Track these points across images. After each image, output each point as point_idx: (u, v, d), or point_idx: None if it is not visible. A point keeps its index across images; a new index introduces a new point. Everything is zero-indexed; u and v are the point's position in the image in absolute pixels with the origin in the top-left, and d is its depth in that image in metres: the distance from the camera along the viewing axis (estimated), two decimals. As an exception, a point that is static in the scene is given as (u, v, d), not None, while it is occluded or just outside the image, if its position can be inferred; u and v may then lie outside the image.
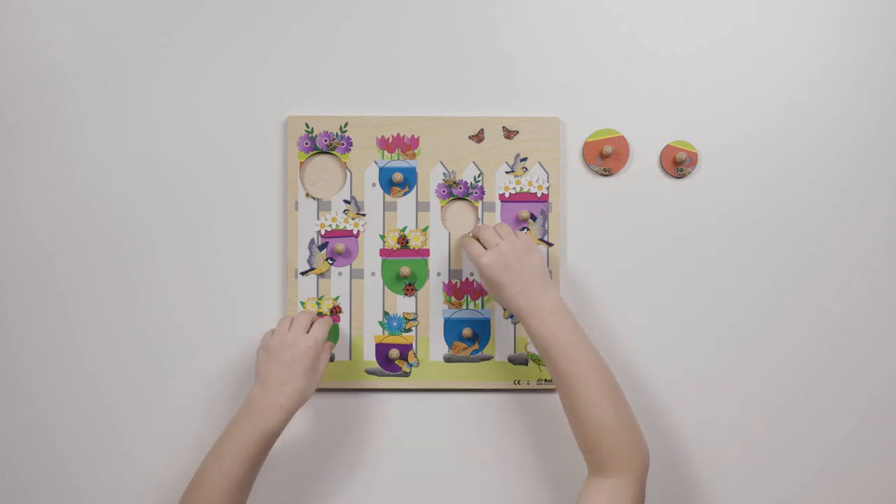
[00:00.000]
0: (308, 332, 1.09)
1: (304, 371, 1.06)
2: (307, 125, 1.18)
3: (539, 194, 1.18)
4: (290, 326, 1.09)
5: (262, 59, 1.19)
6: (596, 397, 1.03)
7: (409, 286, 1.17)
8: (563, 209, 1.19)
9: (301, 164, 1.18)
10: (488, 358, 1.18)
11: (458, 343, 1.18)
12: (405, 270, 1.16)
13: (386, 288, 1.18)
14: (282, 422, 1.05)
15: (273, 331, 1.10)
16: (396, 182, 1.18)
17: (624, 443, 1.02)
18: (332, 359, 1.17)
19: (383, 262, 1.17)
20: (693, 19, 1.20)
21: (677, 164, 1.18)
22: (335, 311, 1.18)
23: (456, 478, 1.19)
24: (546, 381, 1.18)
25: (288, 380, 1.05)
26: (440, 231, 1.19)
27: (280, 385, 1.05)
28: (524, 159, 1.19)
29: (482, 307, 1.18)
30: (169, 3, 1.19)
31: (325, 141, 1.18)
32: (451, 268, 1.19)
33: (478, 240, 1.11)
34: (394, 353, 1.17)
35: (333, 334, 1.17)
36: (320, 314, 1.17)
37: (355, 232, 1.19)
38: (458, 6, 1.19)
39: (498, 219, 1.18)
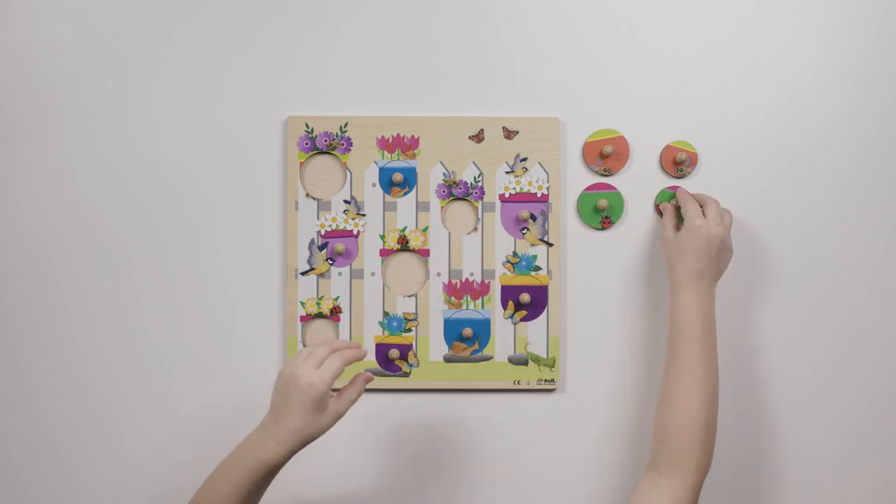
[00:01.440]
0: (319, 366, 0.98)
1: (301, 410, 0.96)
2: (307, 125, 1.18)
3: (539, 194, 1.18)
4: (308, 356, 0.98)
5: (262, 59, 1.19)
6: (698, 390, 1.04)
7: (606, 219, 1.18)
8: (563, 209, 1.19)
9: (301, 164, 1.18)
10: (488, 358, 1.18)
11: (458, 343, 1.18)
12: (603, 203, 1.16)
13: (386, 288, 1.18)
14: (276, 457, 0.97)
15: (293, 356, 1.01)
16: (396, 182, 1.18)
17: (701, 442, 1.03)
18: (371, 380, 1.06)
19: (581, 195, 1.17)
20: (693, 19, 1.20)
21: (677, 164, 1.18)
22: (335, 311, 1.18)
23: (456, 478, 1.19)
24: (546, 381, 1.18)
25: (287, 416, 0.96)
26: (440, 231, 1.19)
27: (280, 419, 0.97)
28: (524, 159, 1.19)
29: (482, 307, 1.18)
30: (169, 3, 1.19)
31: (325, 141, 1.18)
32: (451, 268, 1.19)
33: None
34: (394, 353, 1.17)
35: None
36: (319, 315, 1.17)
37: (355, 232, 1.19)
38: (458, 6, 1.19)
39: (498, 219, 1.18)
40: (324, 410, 0.98)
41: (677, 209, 1.16)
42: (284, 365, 1.01)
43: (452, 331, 1.18)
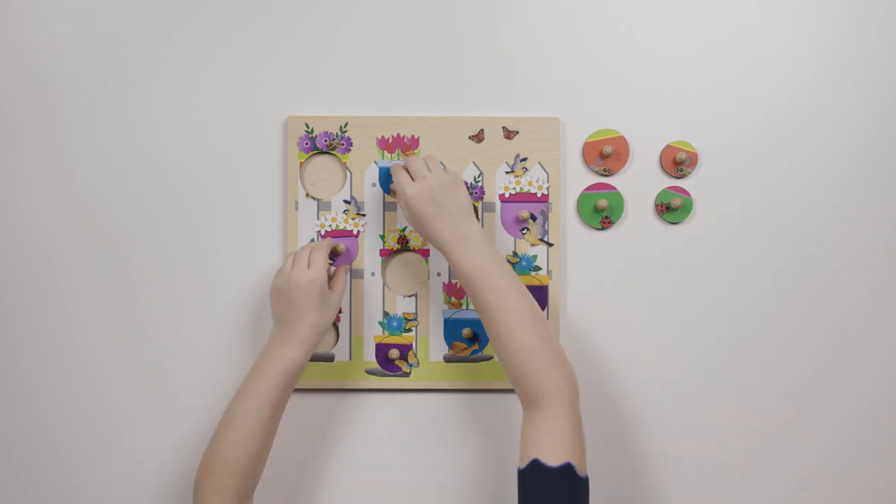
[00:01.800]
0: (309, 266, 1.08)
1: (313, 306, 1.07)
2: (307, 125, 1.18)
3: (539, 194, 1.18)
4: (293, 263, 1.09)
5: (262, 59, 1.19)
6: (520, 324, 1.01)
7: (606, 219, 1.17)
8: (563, 209, 1.19)
9: (301, 164, 1.18)
10: (488, 358, 1.18)
11: (458, 343, 1.18)
12: (603, 203, 1.14)
13: (386, 288, 1.18)
14: (303, 355, 1.06)
15: (279, 271, 1.10)
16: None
17: (550, 369, 0.99)
18: (349, 270, 1.17)
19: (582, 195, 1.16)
20: (693, 19, 1.20)
21: (677, 164, 1.18)
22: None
23: (456, 478, 1.19)
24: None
25: (300, 316, 1.07)
26: (440, 231, 1.19)
27: (295, 321, 1.07)
28: (524, 159, 1.19)
29: (482, 307, 1.18)
30: (169, 3, 1.19)
31: (325, 141, 1.18)
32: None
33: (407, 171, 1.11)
34: (394, 353, 1.17)
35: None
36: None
37: (355, 232, 1.19)
38: (458, 6, 1.19)
39: (498, 219, 1.18)
40: (328, 301, 1.09)
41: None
42: (274, 280, 1.10)
43: (452, 331, 1.18)
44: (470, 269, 1.04)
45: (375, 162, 1.18)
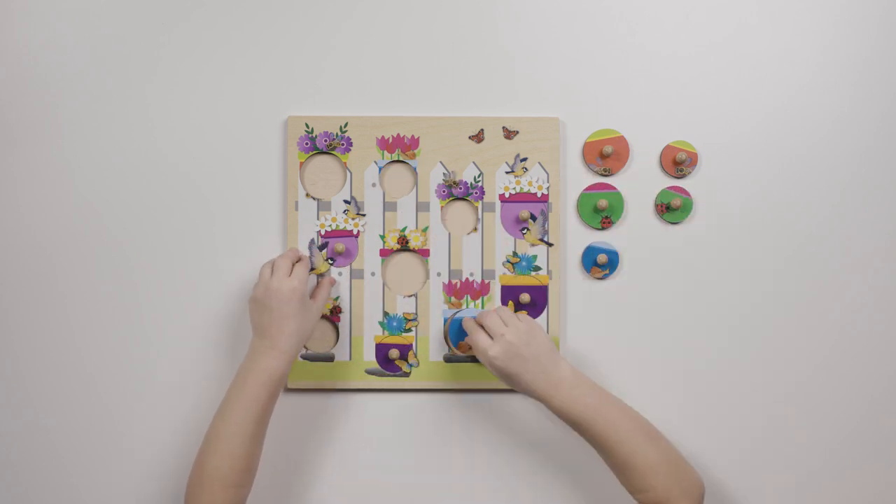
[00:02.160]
0: (290, 274, 1.09)
1: (293, 314, 1.06)
2: (307, 125, 1.18)
3: (539, 194, 1.18)
4: (272, 272, 1.09)
5: (262, 59, 1.19)
6: (636, 446, 1.04)
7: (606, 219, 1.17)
8: (563, 209, 1.19)
9: (301, 164, 1.18)
10: (488, 358, 1.18)
11: (464, 343, 1.18)
12: (603, 203, 1.15)
13: (386, 288, 1.18)
14: (284, 365, 1.06)
15: (258, 281, 1.10)
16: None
17: (674, 477, 1.04)
18: (334, 283, 1.17)
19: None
20: (693, 19, 1.20)
21: (677, 164, 1.18)
22: (335, 311, 1.18)
23: (456, 478, 1.19)
24: (546, 381, 1.18)
25: (280, 325, 1.06)
26: (440, 231, 1.19)
27: (274, 331, 1.06)
28: (524, 159, 1.19)
29: (482, 307, 1.18)
30: (169, 3, 1.19)
31: (325, 141, 1.18)
32: (451, 268, 1.19)
33: (482, 327, 1.10)
34: (394, 353, 1.17)
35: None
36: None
37: (355, 232, 1.19)
38: (458, 6, 1.19)
39: (498, 219, 1.18)
40: (309, 309, 1.10)
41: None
42: (254, 290, 1.09)
43: (460, 330, 1.18)
44: (575, 414, 1.05)
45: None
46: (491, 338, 1.07)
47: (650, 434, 1.05)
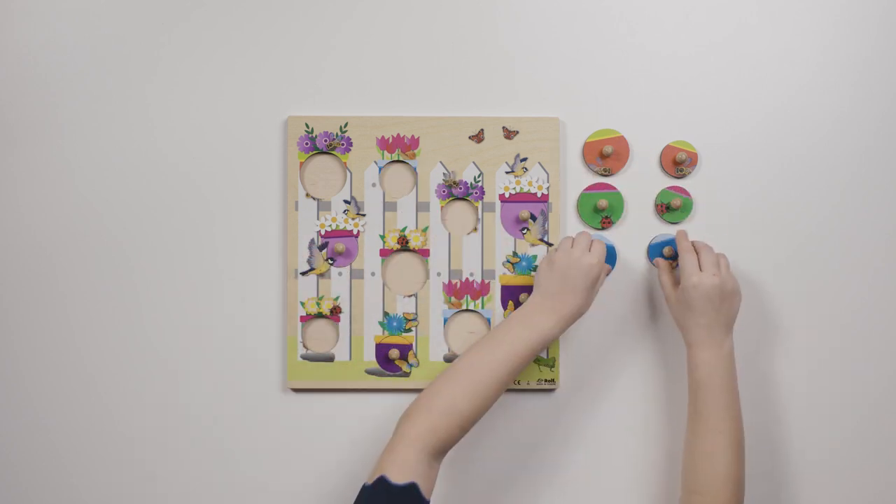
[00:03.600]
0: (590, 250, 1.10)
1: (585, 287, 1.08)
2: (307, 125, 1.18)
3: (539, 194, 1.18)
4: (573, 244, 1.10)
5: (262, 59, 1.19)
6: (727, 446, 1.05)
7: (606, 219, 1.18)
8: (563, 209, 1.19)
9: (301, 164, 1.18)
10: (488, 358, 1.18)
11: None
12: (603, 203, 1.16)
13: (386, 288, 1.18)
14: (558, 328, 1.07)
15: (556, 247, 1.12)
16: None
17: (734, 496, 1.05)
18: (610, 271, 1.16)
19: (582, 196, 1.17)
20: (693, 19, 1.20)
21: (677, 164, 1.18)
22: (335, 311, 1.18)
23: (456, 478, 1.19)
24: (546, 381, 1.18)
25: (571, 293, 1.07)
26: (440, 231, 1.19)
27: (561, 296, 1.07)
28: (524, 159, 1.19)
29: (482, 307, 1.18)
30: (169, 3, 1.19)
31: (325, 141, 1.18)
32: (451, 268, 1.19)
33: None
34: (394, 353, 1.17)
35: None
36: (319, 315, 1.17)
37: (355, 232, 1.19)
38: (458, 6, 1.19)
39: (498, 219, 1.18)
40: (594, 288, 1.10)
41: (671, 262, 1.17)
42: (553, 255, 1.10)
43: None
44: (706, 375, 1.07)
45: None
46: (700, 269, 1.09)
47: (740, 451, 1.07)
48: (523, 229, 1.18)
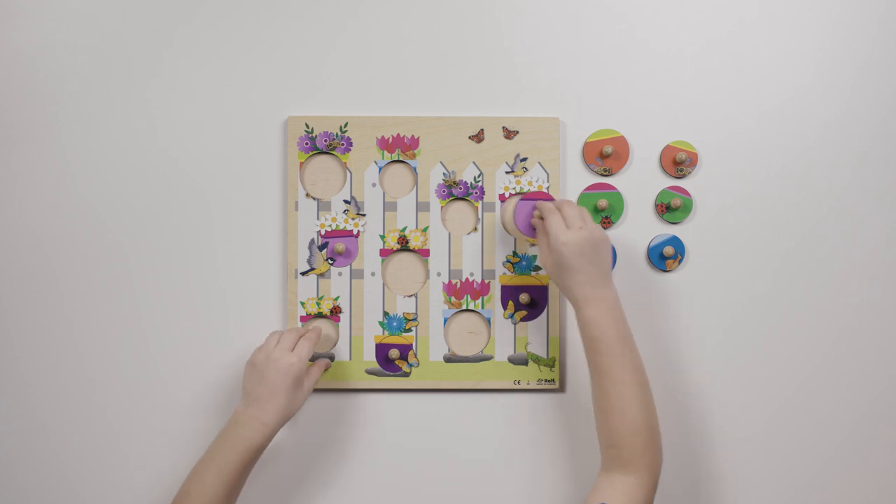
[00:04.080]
0: (293, 349, 1.08)
1: (286, 389, 1.06)
2: (307, 125, 1.18)
3: (539, 194, 1.18)
4: (278, 342, 1.09)
5: (262, 60, 1.19)
6: (632, 396, 1.03)
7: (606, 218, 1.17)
8: (563, 209, 1.19)
9: (301, 164, 1.18)
10: (488, 358, 1.18)
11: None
12: (603, 203, 1.16)
13: (386, 288, 1.18)
14: (264, 438, 1.05)
15: (261, 346, 1.10)
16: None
17: (648, 443, 1.03)
18: (329, 367, 1.16)
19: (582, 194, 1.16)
20: (693, 19, 1.20)
21: (677, 164, 1.18)
22: (335, 311, 1.18)
23: (456, 478, 1.19)
24: (546, 381, 1.18)
25: (271, 397, 1.06)
26: (440, 231, 1.19)
27: (263, 402, 1.06)
28: (524, 159, 1.19)
29: (482, 307, 1.18)
30: (169, 3, 1.19)
31: (325, 141, 1.18)
32: (451, 268, 1.19)
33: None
34: (394, 353, 1.17)
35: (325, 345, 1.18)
36: (319, 315, 1.17)
37: (355, 232, 1.19)
38: (458, 6, 1.19)
39: (498, 219, 1.18)
40: (301, 388, 1.09)
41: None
42: (255, 354, 1.09)
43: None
44: (601, 332, 1.04)
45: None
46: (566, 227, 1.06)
47: (646, 398, 1.04)
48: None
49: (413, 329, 1.18)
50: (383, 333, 1.18)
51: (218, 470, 1.04)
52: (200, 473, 1.05)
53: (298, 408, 1.09)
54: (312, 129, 1.18)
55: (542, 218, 1.10)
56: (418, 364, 1.18)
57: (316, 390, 1.18)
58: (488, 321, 1.18)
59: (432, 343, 1.18)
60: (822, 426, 1.19)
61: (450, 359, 1.18)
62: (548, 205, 1.10)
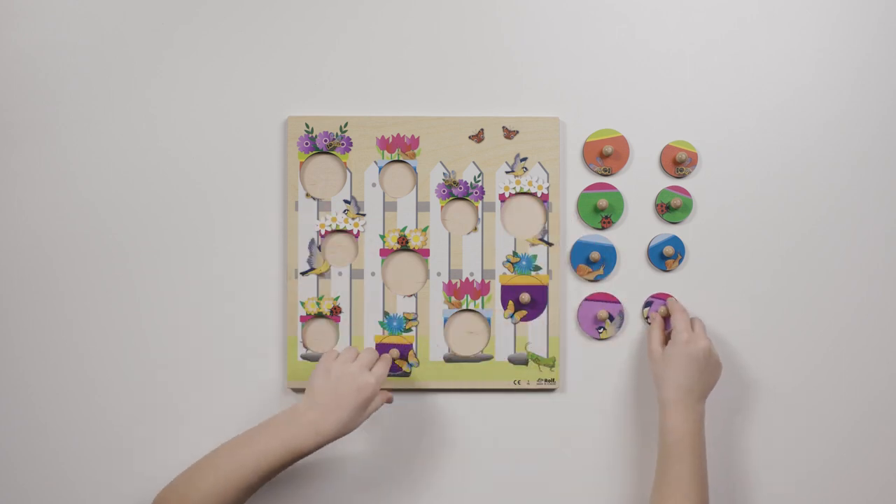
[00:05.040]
0: (371, 369, 1.07)
1: (354, 406, 1.04)
2: (307, 125, 1.18)
3: (539, 194, 1.18)
4: (356, 358, 1.07)
5: (262, 60, 1.19)
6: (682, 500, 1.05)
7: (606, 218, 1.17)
8: (563, 209, 1.19)
9: (301, 164, 1.18)
10: (488, 358, 1.18)
11: (583, 266, 1.18)
12: (603, 203, 1.16)
13: (386, 288, 1.18)
14: (314, 446, 1.03)
15: (338, 354, 1.08)
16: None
17: None
18: (391, 401, 1.12)
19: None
20: (693, 19, 1.20)
21: (677, 164, 1.18)
22: (335, 311, 1.18)
23: (455, 478, 1.19)
24: (546, 380, 1.18)
25: (336, 409, 1.03)
26: (440, 231, 1.19)
27: (327, 412, 1.03)
28: (524, 159, 1.19)
29: (482, 307, 1.18)
30: (169, 3, 1.19)
31: (325, 141, 1.18)
32: (451, 268, 1.19)
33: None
34: (394, 353, 1.17)
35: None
36: (319, 315, 1.17)
37: (355, 232, 1.19)
38: (458, 7, 1.19)
39: (498, 219, 1.18)
40: (364, 412, 1.06)
41: (665, 320, 1.17)
42: (331, 362, 1.07)
43: (579, 254, 1.18)
44: (679, 441, 1.06)
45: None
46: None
47: None
48: (599, 328, 1.18)
49: (413, 329, 1.18)
50: (383, 333, 1.18)
51: (256, 458, 1.01)
52: (237, 453, 1.02)
53: (355, 428, 1.05)
54: (312, 129, 1.18)
55: (666, 315, 1.16)
56: (418, 364, 1.18)
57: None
58: (488, 321, 1.18)
59: (432, 343, 1.18)
60: (822, 426, 1.19)
61: (450, 359, 1.18)
62: (677, 305, 1.15)
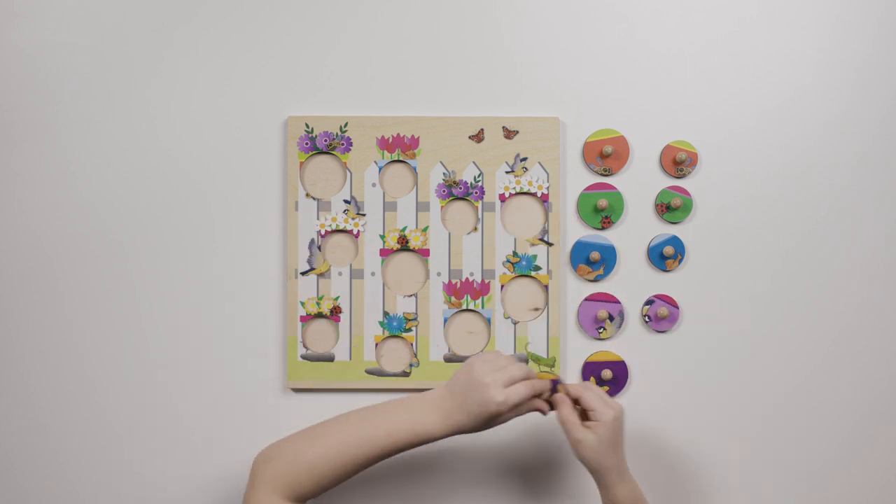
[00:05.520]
0: (509, 386, 1.01)
1: (476, 416, 1.01)
2: (307, 125, 1.18)
3: (539, 194, 1.18)
4: (503, 368, 1.02)
5: (262, 60, 1.19)
6: None
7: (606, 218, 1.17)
8: (563, 209, 1.19)
9: (301, 164, 1.18)
10: (488, 358, 1.18)
11: (583, 266, 1.18)
12: (603, 203, 1.15)
13: (386, 288, 1.18)
14: (440, 435, 1.02)
15: (494, 353, 1.05)
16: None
17: None
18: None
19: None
20: (693, 19, 1.20)
21: (677, 164, 1.18)
22: (335, 311, 1.18)
23: (455, 478, 1.19)
24: (546, 381, 1.18)
25: (459, 409, 1.01)
26: (440, 231, 1.19)
27: (453, 407, 1.02)
28: (524, 159, 1.19)
29: (482, 307, 1.18)
30: (170, 3, 1.19)
31: (325, 141, 1.18)
32: (451, 268, 1.19)
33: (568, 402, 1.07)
34: (543, 385, 1.13)
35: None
36: (319, 315, 1.17)
37: (355, 232, 1.19)
38: (458, 7, 1.19)
39: (498, 218, 1.18)
40: (492, 422, 1.02)
41: (574, 403, 1.06)
42: (479, 362, 1.03)
43: (580, 254, 1.18)
44: (626, 499, 1.03)
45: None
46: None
47: None
48: (599, 328, 1.18)
49: (413, 329, 1.18)
50: (383, 333, 1.18)
51: (388, 434, 1.01)
52: (361, 424, 1.02)
53: (479, 431, 1.03)
54: (312, 129, 1.18)
55: (575, 399, 1.06)
56: (418, 364, 1.18)
57: (315, 390, 1.18)
58: (488, 321, 1.18)
59: (432, 343, 1.18)
60: (822, 426, 1.19)
61: (450, 359, 1.18)
62: (575, 384, 1.07)
